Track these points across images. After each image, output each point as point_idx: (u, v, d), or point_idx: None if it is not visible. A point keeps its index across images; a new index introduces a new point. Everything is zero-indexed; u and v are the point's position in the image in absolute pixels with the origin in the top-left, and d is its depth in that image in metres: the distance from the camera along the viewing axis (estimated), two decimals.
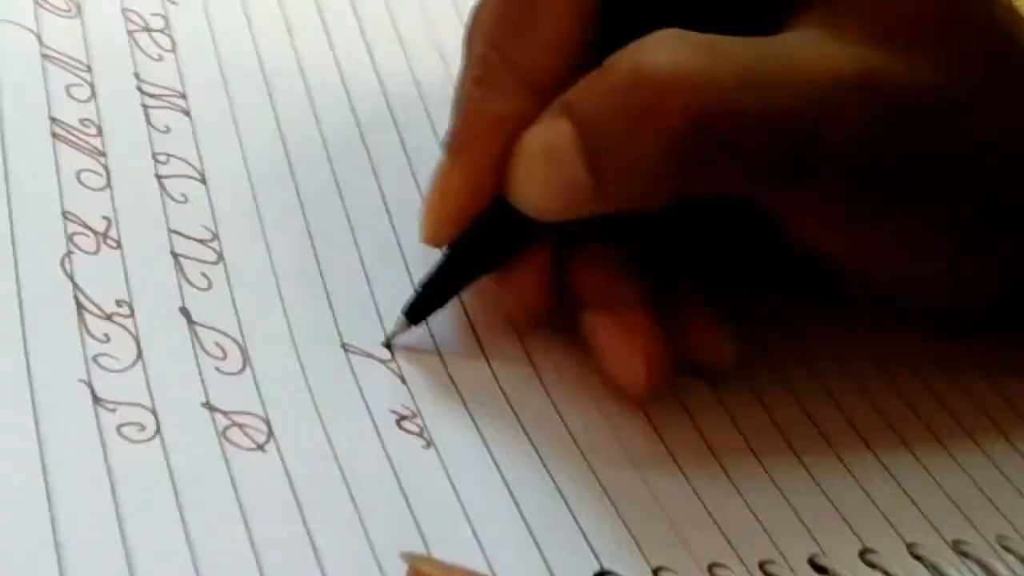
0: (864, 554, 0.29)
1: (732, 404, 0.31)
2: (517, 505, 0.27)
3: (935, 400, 0.33)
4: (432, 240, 0.30)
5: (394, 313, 0.30)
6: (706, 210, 0.30)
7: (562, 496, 0.28)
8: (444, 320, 0.30)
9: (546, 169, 0.29)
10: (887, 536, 0.29)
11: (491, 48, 0.30)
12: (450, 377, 0.29)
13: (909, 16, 0.29)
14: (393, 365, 0.29)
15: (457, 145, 0.30)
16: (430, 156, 0.33)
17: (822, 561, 0.28)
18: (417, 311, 0.30)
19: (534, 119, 0.29)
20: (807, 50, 0.28)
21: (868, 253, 0.30)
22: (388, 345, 0.30)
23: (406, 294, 0.30)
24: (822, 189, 0.29)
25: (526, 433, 0.29)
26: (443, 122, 0.33)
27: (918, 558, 0.29)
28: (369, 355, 0.29)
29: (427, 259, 0.31)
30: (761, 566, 0.28)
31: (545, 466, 0.28)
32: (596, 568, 0.27)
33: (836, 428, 0.32)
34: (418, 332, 0.30)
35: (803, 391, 0.32)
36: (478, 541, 0.27)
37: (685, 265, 0.32)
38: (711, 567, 0.28)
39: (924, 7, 0.29)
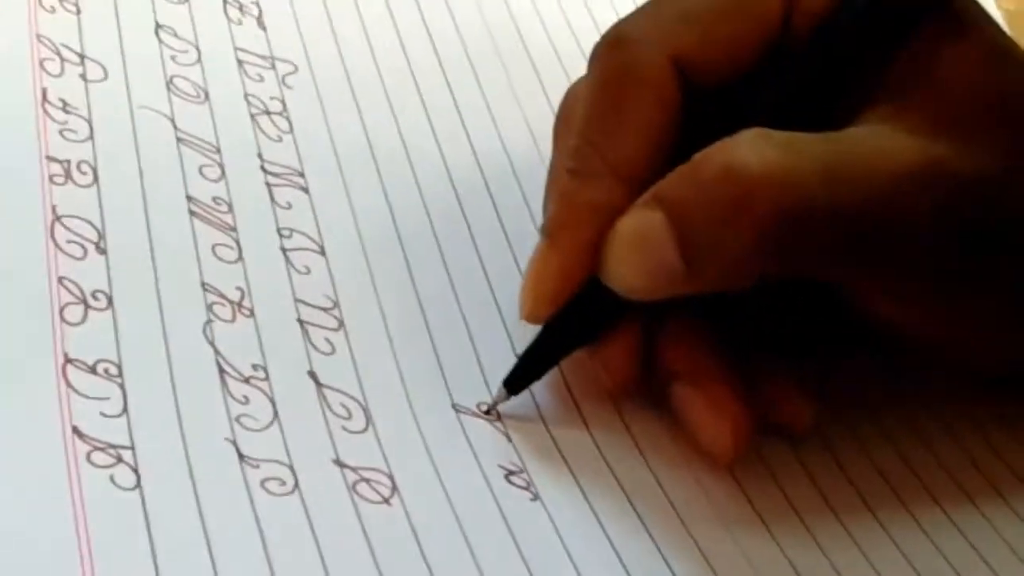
0: None
1: (811, 464, 0.34)
2: (619, 558, 0.30)
3: (993, 454, 0.36)
4: (531, 318, 0.33)
5: (497, 374, 0.33)
6: (784, 287, 0.32)
7: (659, 551, 0.30)
8: (545, 389, 0.33)
9: (640, 255, 0.31)
10: None
11: (584, 141, 0.33)
12: (552, 439, 0.32)
13: (968, 107, 0.31)
14: (499, 424, 0.32)
15: (553, 230, 0.33)
16: (523, 224, 0.36)
17: None
18: (516, 382, 0.33)
19: (624, 207, 0.31)
20: (876, 145, 0.31)
21: (937, 325, 0.32)
22: (490, 412, 0.32)
23: (507, 355, 0.33)
24: (894, 271, 0.31)
25: (623, 490, 0.32)
26: (533, 193, 0.36)
27: None
28: (477, 415, 0.32)
29: (526, 324, 0.33)
30: None
31: (643, 522, 0.31)
32: None
33: (906, 484, 0.34)
34: (522, 400, 0.33)
35: (874, 450, 0.35)
36: None
37: (765, 335, 0.34)
38: None
39: (981, 98, 0.31)
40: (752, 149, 0.30)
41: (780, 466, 0.33)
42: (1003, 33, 0.33)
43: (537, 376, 0.33)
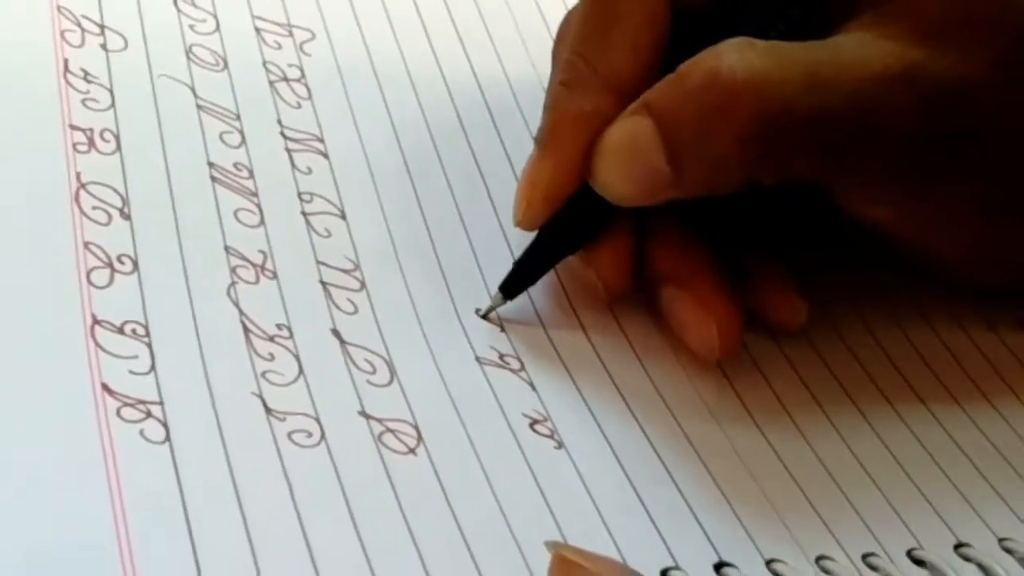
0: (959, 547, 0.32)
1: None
2: (643, 503, 0.30)
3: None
4: (524, 223, 0.34)
5: (518, 326, 0.33)
6: (768, 189, 0.33)
7: (679, 490, 0.31)
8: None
9: (629, 161, 0.32)
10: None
11: (576, 55, 0.34)
12: (573, 381, 0.33)
13: (947, 16, 0.32)
14: (523, 374, 0.32)
15: (546, 139, 0.34)
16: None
17: (920, 555, 0.31)
18: (512, 287, 0.34)
19: (614, 117, 0.33)
20: (857, 51, 0.32)
21: (913, 224, 0.33)
22: (485, 317, 0.33)
23: (526, 310, 0.34)
24: (874, 171, 0.32)
25: (642, 430, 0.32)
26: None
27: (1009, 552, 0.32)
28: (501, 365, 0.32)
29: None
30: (864, 558, 0.31)
31: (663, 462, 0.31)
32: (712, 556, 0.30)
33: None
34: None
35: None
36: (608, 531, 0.30)
37: (750, 234, 0.35)
38: (819, 559, 0.30)
39: (960, 8, 0.32)
40: (736, 56, 0.31)
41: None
42: None
43: (531, 281, 0.34)
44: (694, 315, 0.33)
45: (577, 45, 0.34)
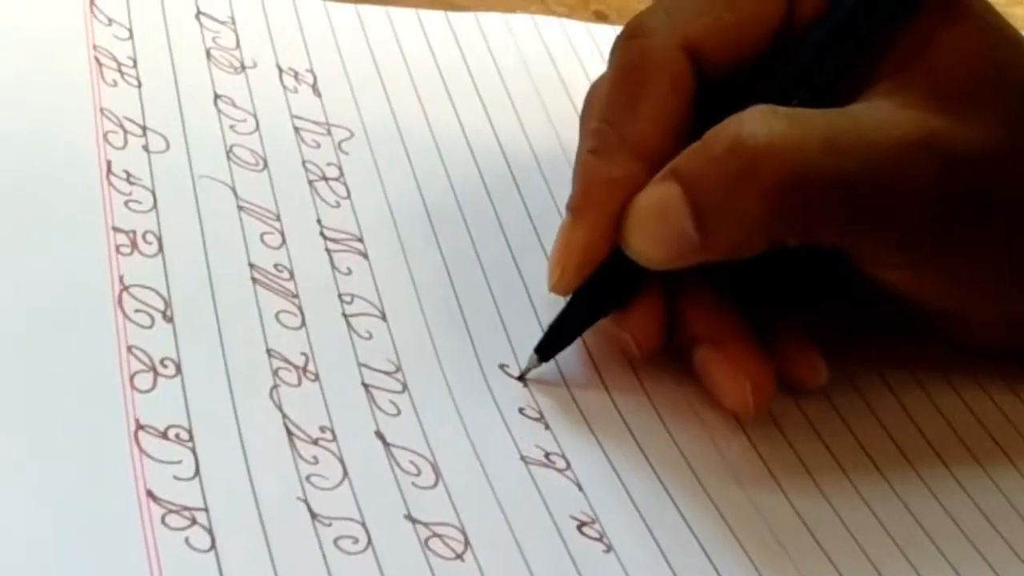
0: None
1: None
2: None
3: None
4: (558, 288, 0.35)
5: (562, 428, 0.33)
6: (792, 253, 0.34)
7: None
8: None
9: (658, 226, 0.33)
10: None
11: (605, 123, 0.35)
12: (608, 460, 0.32)
13: (964, 83, 0.33)
14: (569, 473, 0.32)
15: (578, 206, 0.35)
16: None
17: None
18: (546, 349, 0.34)
19: (643, 184, 0.34)
20: (876, 118, 0.33)
21: (935, 291, 0.34)
22: (522, 378, 0.34)
23: (571, 409, 0.34)
24: (893, 235, 0.33)
25: (691, 530, 0.32)
26: None
27: None
28: (547, 465, 0.32)
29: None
30: None
31: (713, 566, 0.31)
32: None
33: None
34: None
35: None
36: None
37: (774, 294, 0.36)
38: None
39: (976, 74, 0.33)
40: (759, 122, 0.32)
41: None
42: (996, 13, 0.35)
43: (567, 342, 0.35)
44: (728, 375, 0.34)
45: (605, 114, 0.35)
